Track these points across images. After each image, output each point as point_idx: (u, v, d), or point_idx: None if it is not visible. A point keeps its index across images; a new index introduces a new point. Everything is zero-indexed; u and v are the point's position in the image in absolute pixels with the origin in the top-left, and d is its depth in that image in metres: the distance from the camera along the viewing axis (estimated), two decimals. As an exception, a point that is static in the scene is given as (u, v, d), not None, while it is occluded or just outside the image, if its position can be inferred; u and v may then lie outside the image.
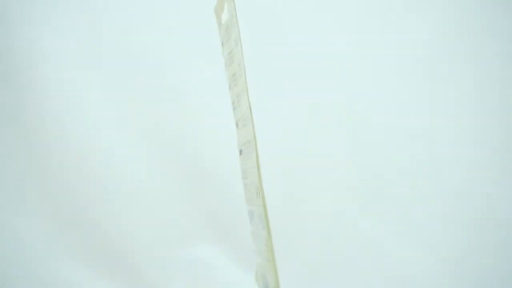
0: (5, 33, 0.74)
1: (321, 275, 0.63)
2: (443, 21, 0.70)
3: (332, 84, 0.70)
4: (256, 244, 0.54)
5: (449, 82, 0.70)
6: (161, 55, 0.74)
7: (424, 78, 0.71)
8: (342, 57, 0.68)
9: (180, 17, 0.64)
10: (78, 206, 0.75)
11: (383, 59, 0.73)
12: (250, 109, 0.47)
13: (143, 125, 0.75)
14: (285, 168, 0.60)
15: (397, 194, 0.72)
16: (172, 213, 0.72)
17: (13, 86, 0.76)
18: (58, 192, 0.76)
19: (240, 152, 0.57)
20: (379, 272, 0.65)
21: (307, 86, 0.67)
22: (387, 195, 0.72)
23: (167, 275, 0.71)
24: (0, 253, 0.71)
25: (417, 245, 0.67)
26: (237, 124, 0.57)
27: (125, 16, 0.78)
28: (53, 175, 0.76)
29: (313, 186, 0.65)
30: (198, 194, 0.68)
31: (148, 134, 0.73)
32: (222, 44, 0.58)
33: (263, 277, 0.52)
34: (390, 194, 0.72)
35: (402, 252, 0.67)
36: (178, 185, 0.71)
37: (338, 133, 0.71)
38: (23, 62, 0.75)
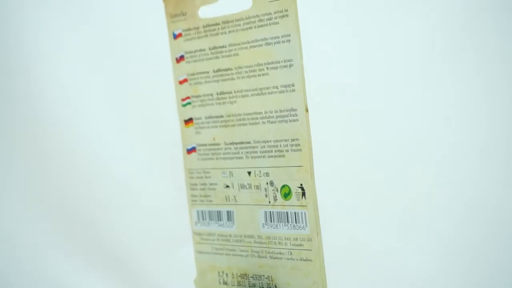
0: (5, 33, 0.73)
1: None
2: (444, 19, 0.71)
3: (331, 83, 0.68)
4: (241, 244, 0.54)
5: (453, 81, 0.72)
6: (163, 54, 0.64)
7: (428, 78, 0.72)
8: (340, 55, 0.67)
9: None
10: (77, 206, 0.74)
11: (383, 58, 0.73)
12: (307, 109, 0.50)
13: (144, 125, 0.74)
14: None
15: (399, 193, 0.72)
16: (172, 212, 0.69)
17: (11, 86, 0.74)
18: (57, 192, 0.74)
19: (192, 149, 0.56)
20: (381, 273, 0.66)
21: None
22: (388, 195, 0.72)
23: (167, 275, 0.61)
24: None
25: (419, 246, 0.69)
26: (195, 120, 0.56)
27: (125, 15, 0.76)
28: (52, 175, 0.74)
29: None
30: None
31: (148, 134, 0.73)
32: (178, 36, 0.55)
33: (258, 278, 0.54)
34: (391, 194, 0.72)
35: (405, 253, 0.68)
36: (178, 184, 0.63)
37: (337, 132, 0.70)
38: (22, 61, 0.73)
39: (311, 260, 0.50)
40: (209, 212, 0.55)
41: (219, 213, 0.55)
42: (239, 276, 0.54)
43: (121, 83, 0.77)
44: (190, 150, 0.56)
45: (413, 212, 0.67)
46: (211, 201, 0.55)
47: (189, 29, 0.55)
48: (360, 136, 0.70)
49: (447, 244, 0.63)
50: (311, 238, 0.50)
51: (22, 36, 0.74)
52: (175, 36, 0.56)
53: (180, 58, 0.56)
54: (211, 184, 0.55)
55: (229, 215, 0.54)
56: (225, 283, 0.55)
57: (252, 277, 0.53)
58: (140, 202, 0.75)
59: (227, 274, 0.55)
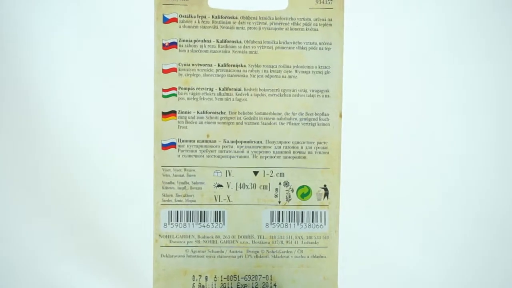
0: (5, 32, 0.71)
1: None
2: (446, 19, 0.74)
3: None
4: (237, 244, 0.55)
5: (450, 82, 0.74)
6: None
7: (426, 77, 0.74)
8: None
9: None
10: (77, 206, 0.70)
11: (382, 56, 0.74)
12: (341, 115, 0.55)
13: (143, 124, 0.63)
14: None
15: (397, 193, 0.73)
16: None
17: (11, 85, 0.71)
18: (57, 192, 0.70)
19: (170, 145, 0.54)
20: (377, 271, 0.64)
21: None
22: (386, 195, 0.72)
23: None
24: None
25: (416, 245, 0.68)
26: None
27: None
28: (52, 174, 0.71)
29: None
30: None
31: (148, 133, 0.59)
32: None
33: (252, 278, 0.55)
34: (389, 194, 0.73)
35: (402, 252, 0.67)
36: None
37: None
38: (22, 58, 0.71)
39: (324, 257, 0.53)
40: (189, 212, 0.53)
41: (203, 213, 0.53)
42: (225, 278, 0.53)
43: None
44: (167, 146, 0.52)
45: (429, 220, 0.71)
46: (193, 201, 0.53)
47: (190, 16, 0.51)
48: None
49: (461, 250, 0.68)
50: (328, 236, 0.53)
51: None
52: (166, 20, 0.51)
53: (170, 45, 0.52)
54: (195, 183, 0.52)
55: (218, 215, 0.53)
56: (202, 287, 0.53)
57: (244, 278, 0.53)
58: (141, 200, 0.66)
59: (206, 277, 0.53)
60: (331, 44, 0.51)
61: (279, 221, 0.53)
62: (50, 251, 0.65)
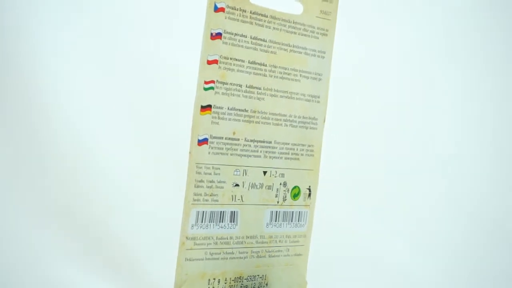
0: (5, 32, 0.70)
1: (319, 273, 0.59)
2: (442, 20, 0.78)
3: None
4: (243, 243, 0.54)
5: (448, 81, 0.78)
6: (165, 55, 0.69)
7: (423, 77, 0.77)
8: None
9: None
10: (77, 206, 0.67)
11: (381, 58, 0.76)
12: (325, 120, 0.58)
13: (144, 124, 0.71)
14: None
15: (394, 193, 0.74)
16: (173, 212, 0.58)
17: (12, 85, 0.69)
18: (57, 192, 0.67)
19: (203, 141, 0.52)
20: (375, 271, 0.64)
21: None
22: (384, 195, 0.74)
23: (168, 275, 0.52)
24: None
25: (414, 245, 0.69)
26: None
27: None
28: (52, 174, 0.68)
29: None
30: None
31: (149, 133, 0.70)
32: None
33: (252, 278, 0.55)
34: (387, 194, 0.74)
35: (399, 252, 0.68)
36: (178, 183, 0.57)
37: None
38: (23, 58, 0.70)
39: (301, 255, 0.57)
40: (211, 213, 0.51)
41: (222, 213, 0.52)
42: (233, 280, 0.53)
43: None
44: (202, 142, 0.50)
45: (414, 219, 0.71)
46: (216, 200, 0.51)
47: (234, 8, 0.51)
48: (357, 146, 0.70)
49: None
50: (306, 235, 0.57)
51: (23, 34, 0.70)
52: (217, 9, 0.50)
53: (217, 36, 0.50)
54: (219, 181, 0.51)
55: (233, 215, 0.52)
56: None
57: (246, 279, 0.54)
58: (141, 201, 0.68)
59: (219, 280, 0.52)
60: (325, 53, 0.55)
61: (276, 221, 0.54)
62: (65, 251, 0.60)
